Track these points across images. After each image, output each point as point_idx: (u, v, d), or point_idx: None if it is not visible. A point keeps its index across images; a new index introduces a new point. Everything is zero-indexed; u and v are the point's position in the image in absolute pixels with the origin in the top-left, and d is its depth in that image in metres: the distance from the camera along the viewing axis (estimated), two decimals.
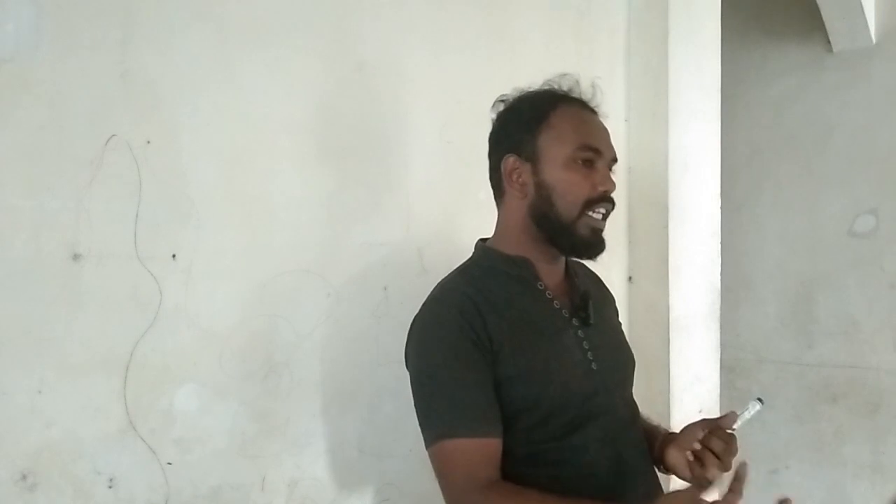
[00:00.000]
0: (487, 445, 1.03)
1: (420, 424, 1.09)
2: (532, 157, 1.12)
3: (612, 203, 1.13)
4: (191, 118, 1.22)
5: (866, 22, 2.91)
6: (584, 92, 1.17)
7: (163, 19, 1.19)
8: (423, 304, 1.14)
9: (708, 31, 2.12)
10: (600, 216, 1.12)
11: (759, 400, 1.12)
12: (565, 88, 1.16)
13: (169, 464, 1.19)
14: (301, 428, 1.36)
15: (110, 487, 1.13)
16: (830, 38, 3.02)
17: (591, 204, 1.10)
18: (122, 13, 1.15)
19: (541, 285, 1.14)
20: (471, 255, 1.22)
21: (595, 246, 1.13)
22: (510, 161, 1.14)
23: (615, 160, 1.16)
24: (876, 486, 2.94)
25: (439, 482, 1.06)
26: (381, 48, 1.49)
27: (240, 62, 1.28)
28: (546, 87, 1.17)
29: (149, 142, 1.17)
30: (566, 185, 1.10)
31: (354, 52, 1.44)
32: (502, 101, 1.18)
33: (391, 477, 1.48)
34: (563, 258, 1.20)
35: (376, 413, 1.47)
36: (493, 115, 1.19)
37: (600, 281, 1.34)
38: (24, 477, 1.05)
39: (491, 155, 1.18)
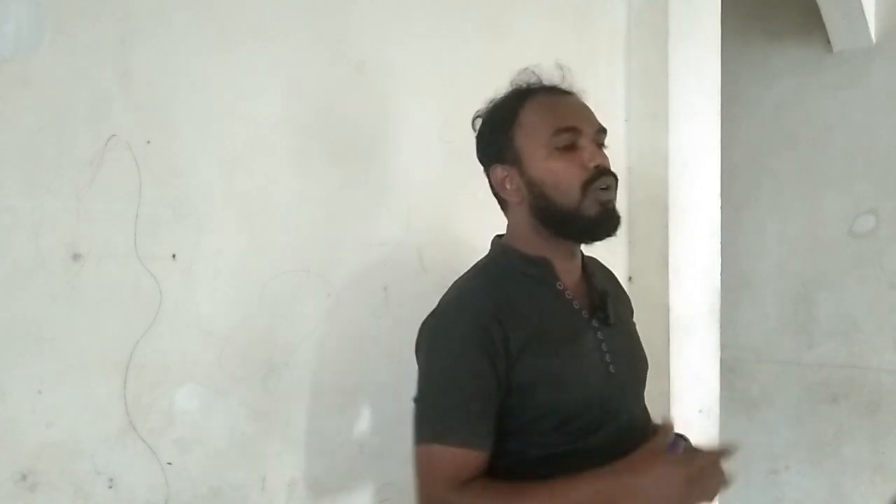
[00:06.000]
0: (475, 458, 1.02)
1: (413, 420, 1.08)
2: (515, 160, 1.11)
3: (612, 176, 1.09)
4: (191, 118, 1.22)
5: (866, 22, 2.90)
6: (551, 77, 1.15)
7: (163, 19, 1.19)
8: (441, 305, 1.12)
9: (708, 31, 2.11)
10: (604, 189, 1.08)
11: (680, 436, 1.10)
12: (530, 82, 1.14)
13: (169, 464, 1.19)
14: (301, 428, 1.36)
15: (110, 487, 1.13)
16: (830, 38, 3.02)
17: (588, 184, 1.06)
18: (122, 13, 1.15)
19: (560, 285, 1.13)
20: (488, 252, 1.20)
21: (608, 221, 1.08)
22: (497, 171, 1.13)
23: (603, 131, 1.11)
24: (876, 486, 2.94)
25: (417, 482, 1.05)
26: (381, 48, 1.48)
27: (240, 62, 1.28)
28: (512, 88, 1.15)
29: (149, 142, 1.17)
30: (554, 176, 1.07)
31: (354, 52, 1.44)
32: (479, 116, 1.18)
33: (391, 477, 1.47)
34: (580, 255, 1.18)
35: (376, 413, 1.47)
36: (475, 133, 1.18)
37: (617, 280, 1.31)
38: (24, 477, 1.05)
39: (484, 171, 1.18)
